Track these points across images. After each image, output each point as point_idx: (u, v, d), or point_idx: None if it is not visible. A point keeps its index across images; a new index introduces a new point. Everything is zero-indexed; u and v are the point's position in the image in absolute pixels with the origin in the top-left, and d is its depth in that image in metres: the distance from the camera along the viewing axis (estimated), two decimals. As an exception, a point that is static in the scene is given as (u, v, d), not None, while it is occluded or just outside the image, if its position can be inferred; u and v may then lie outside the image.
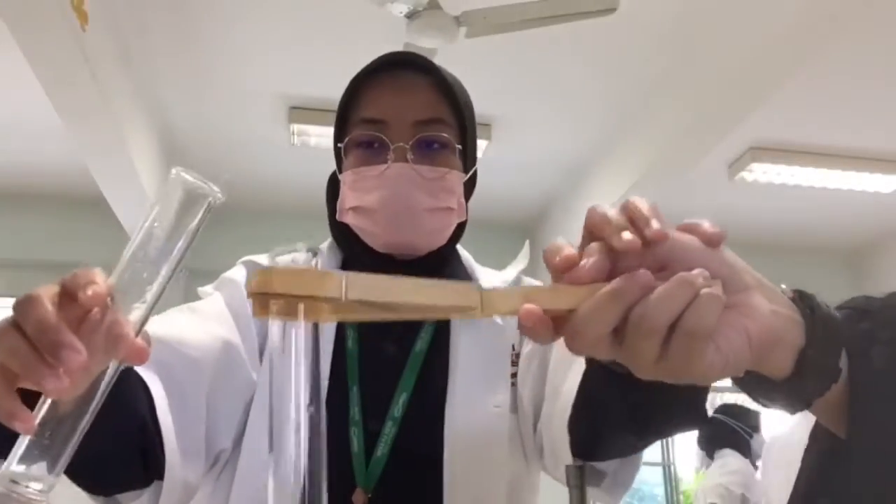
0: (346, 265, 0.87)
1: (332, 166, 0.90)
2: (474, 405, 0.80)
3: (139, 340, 0.45)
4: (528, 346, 0.85)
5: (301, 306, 0.41)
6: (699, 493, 3.43)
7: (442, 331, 0.85)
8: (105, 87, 2.86)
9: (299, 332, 0.42)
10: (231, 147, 4.00)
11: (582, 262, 0.42)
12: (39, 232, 4.22)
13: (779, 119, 3.58)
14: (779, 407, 0.47)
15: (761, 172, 4.04)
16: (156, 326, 0.61)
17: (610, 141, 3.96)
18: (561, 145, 4.03)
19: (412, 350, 0.82)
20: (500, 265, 0.95)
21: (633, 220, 0.43)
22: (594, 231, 0.44)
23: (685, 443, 5.25)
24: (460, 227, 0.90)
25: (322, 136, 3.74)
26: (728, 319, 0.41)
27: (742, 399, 4.00)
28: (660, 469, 5.04)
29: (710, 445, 3.51)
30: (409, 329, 0.84)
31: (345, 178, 0.84)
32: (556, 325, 0.43)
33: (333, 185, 0.88)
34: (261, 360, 0.81)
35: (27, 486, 0.43)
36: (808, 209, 4.56)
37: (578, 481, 0.68)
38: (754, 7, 2.85)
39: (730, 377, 0.44)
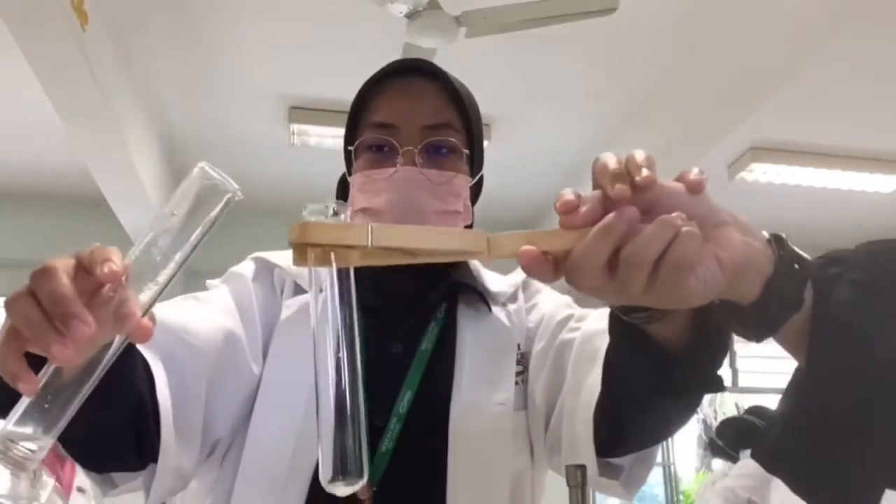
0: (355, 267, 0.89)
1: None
2: (478, 403, 0.81)
3: (145, 320, 0.48)
4: (540, 344, 0.86)
5: (332, 254, 0.48)
6: (705, 491, 3.39)
7: (448, 330, 0.86)
8: (105, 87, 2.86)
9: (333, 275, 0.49)
10: (231, 147, 4.01)
11: (579, 209, 0.49)
12: (39, 232, 4.22)
13: (779, 119, 3.57)
14: (748, 334, 0.51)
15: (761, 172, 4.04)
16: (162, 312, 0.64)
17: (610, 141, 3.96)
18: (561, 145, 4.03)
19: (417, 349, 0.84)
20: (500, 265, 0.95)
21: (628, 168, 0.49)
22: (596, 179, 0.50)
23: (685, 443, 5.26)
24: None
25: (322, 136, 3.74)
26: (704, 250, 0.48)
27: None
28: (660, 469, 5.05)
29: (734, 446, 3.43)
30: (415, 329, 0.85)
31: (354, 181, 0.86)
32: (558, 265, 0.49)
33: (343, 187, 0.90)
34: (264, 357, 0.82)
35: (22, 446, 0.45)
36: (808, 209, 4.57)
37: (578, 481, 0.68)
38: (754, 7, 2.85)
39: (707, 301, 0.49)
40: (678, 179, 0.50)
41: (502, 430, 0.81)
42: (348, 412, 0.48)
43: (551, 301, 0.92)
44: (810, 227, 4.74)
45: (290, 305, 0.84)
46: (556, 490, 0.85)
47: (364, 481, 0.48)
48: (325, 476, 0.48)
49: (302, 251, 0.49)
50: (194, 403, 0.72)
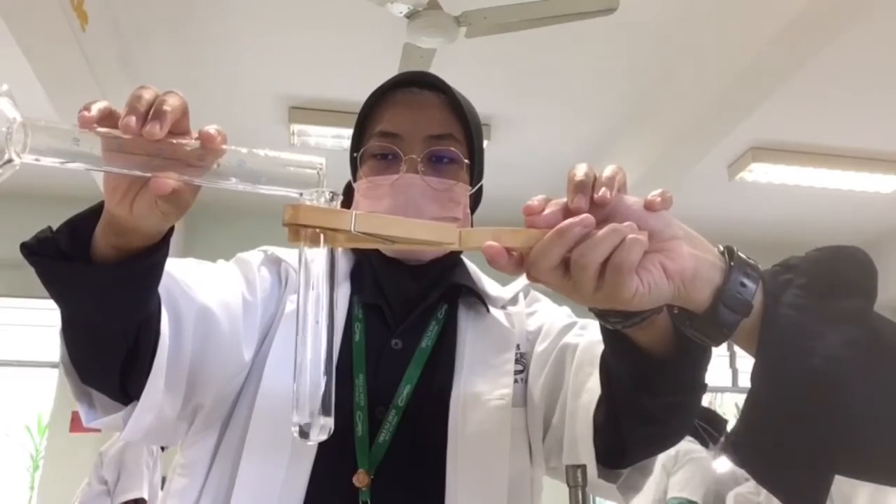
0: (357, 267, 0.91)
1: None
2: (477, 396, 0.83)
3: (177, 184, 0.55)
4: (542, 345, 0.88)
5: (322, 235, 0.53)
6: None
7: (448, 330, 0.88)
8: (105, 87, 2.87)
9: (320, 253, 0.54)
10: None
11: (542, 212, 0.54)
12: (39, 232, 4.22)
13: (779, 119, 3.58)
14: (706, 339, 0.56)
15: (761, 172, 4.04)
16: (170, 264, 0.67)
17: (609, 141, 3.96)
18: (561, 145, 4.04)
19: (418, 346, 0.86)
20: (500, 275, 0.96)
21: (592, 184, 0.54)
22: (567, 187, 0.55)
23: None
24: None
25: (322, 136, 3.74)
26: (651, 259, 0.53)
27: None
28: (660, 467, 5.04)
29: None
30: (415, 327, 0.87)
31: (359, 187, 0.89)
32: (523, 260, 0.54)
33: (348, 193, 0.94)
34: (258, 346, 0.83)
35: (17, 153, 0.53)
36: (808, 209, 4.57)
37: (578, 481, 0.68)
38: (754, 7, 2.85)
39: (656, 305, 0.54)
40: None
41: (500, 424, 0.83)
42: (323, 372, 0.55)
43: (552, 309, 0.95)
44: (810, 227, 4.74)
45: (294, 300, 0.86)
46: (556, 490, 0.85)
47: (331, 426, 0.55)
48: (300, 420, 0.54)
49: (294, 231, 0.53)
50: (184, 350, 0.74)
